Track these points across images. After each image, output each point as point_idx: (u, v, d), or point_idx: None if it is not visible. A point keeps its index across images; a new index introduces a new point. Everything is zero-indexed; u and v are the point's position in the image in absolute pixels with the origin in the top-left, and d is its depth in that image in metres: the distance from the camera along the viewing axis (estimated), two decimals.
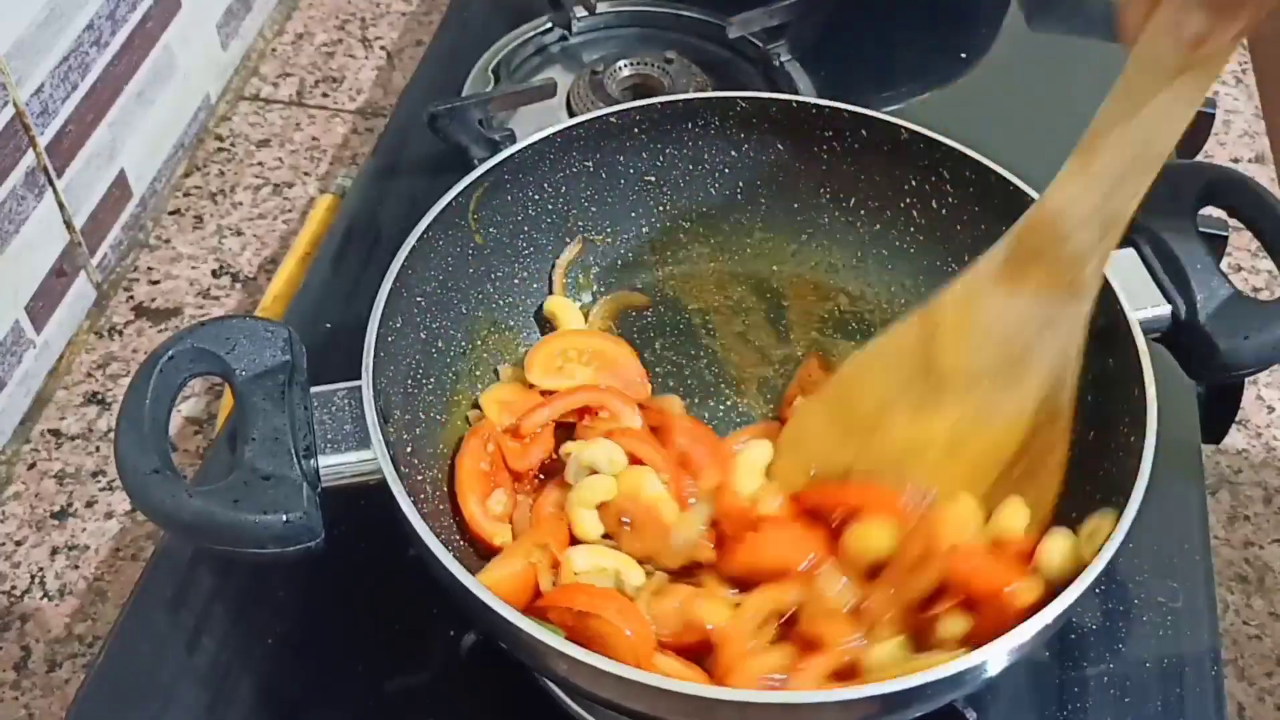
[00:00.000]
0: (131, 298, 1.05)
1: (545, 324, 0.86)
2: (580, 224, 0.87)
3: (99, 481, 0.93)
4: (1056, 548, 0.65)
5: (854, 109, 0.83)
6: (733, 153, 0.86)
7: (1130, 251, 0.76)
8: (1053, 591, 0.60)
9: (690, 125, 0.85)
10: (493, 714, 0.73)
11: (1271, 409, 0.99)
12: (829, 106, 0.83)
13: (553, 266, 0.86)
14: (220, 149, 1.17)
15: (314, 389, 0.68)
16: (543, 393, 0.80)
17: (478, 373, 0.82)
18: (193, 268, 1.07)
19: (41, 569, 0.88)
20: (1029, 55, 1.15)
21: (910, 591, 0.65)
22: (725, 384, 0.85)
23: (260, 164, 1.16)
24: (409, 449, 0.72)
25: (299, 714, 0.73)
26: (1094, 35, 1.16)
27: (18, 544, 0.90)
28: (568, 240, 0.87)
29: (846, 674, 0.65)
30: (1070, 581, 0.59)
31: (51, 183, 0.97)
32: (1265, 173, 1.15)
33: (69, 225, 1.00)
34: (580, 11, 1.11)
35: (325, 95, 1.22)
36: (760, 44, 1.09)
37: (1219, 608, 0.79)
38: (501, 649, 0.64)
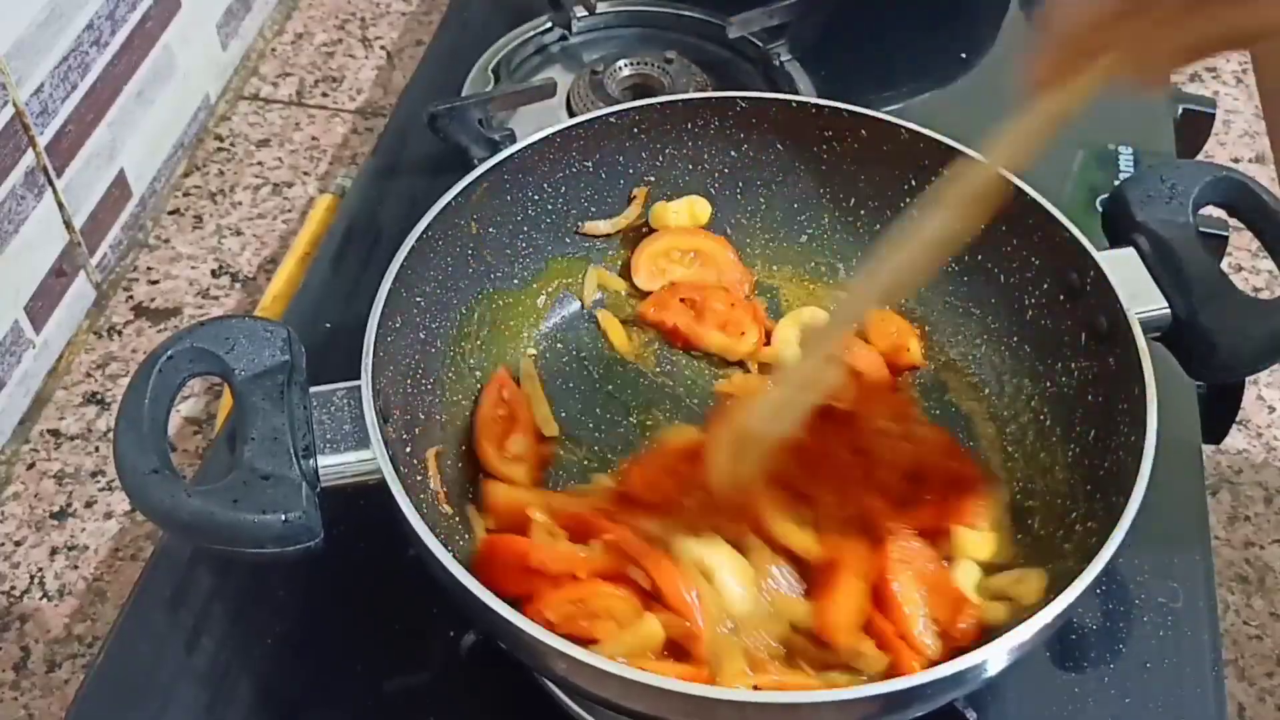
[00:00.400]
0: (131, 298, 1.05)
1: (546, 324, 0.85)
2: (579, 224, 0.87)
3: (98, 481, 0.93)
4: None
5: (854, 109, 0.83)
6: (732, 153, 0.86)
7: (1130, 251, 0.76)
8: None
9: (690, 125, 0.85)
10: (492, 714, 0.73)
11: (1272, 409, 0.98)
12: (829, 106, 0.83)
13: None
14: (220, 149, 1.17)
15: (313, 389, 0.68)
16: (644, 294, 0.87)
17: (477, 373, 0.82)
18: (192, 268, 1.07)
19: (41, 569, 0.88)
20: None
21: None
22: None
23: (260, 164, 1.16)
24: (408, 449, 0.72)
25: (298, 714, 0.73)
26: None
27: (17, 544, 0.90)
28: (567, 240, 0.87)
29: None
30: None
31: (51, 182, 0.97)
32: (1265, 173, 1.15)
33: (68, 225, 1.00)
34: (580, 11, 1.11)
35: (325, 95, 1.22)
36: (760, 44, 1.09)
37: (1219, 608, 0.79)
38: (501, 649, 0.64)
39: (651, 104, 0.84)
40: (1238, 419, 0.91)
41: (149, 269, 1.07)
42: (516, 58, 1.10)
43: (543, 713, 0.72)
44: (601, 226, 0.87)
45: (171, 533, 0.75)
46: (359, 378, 0.67)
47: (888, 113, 0.82)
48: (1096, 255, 0.74)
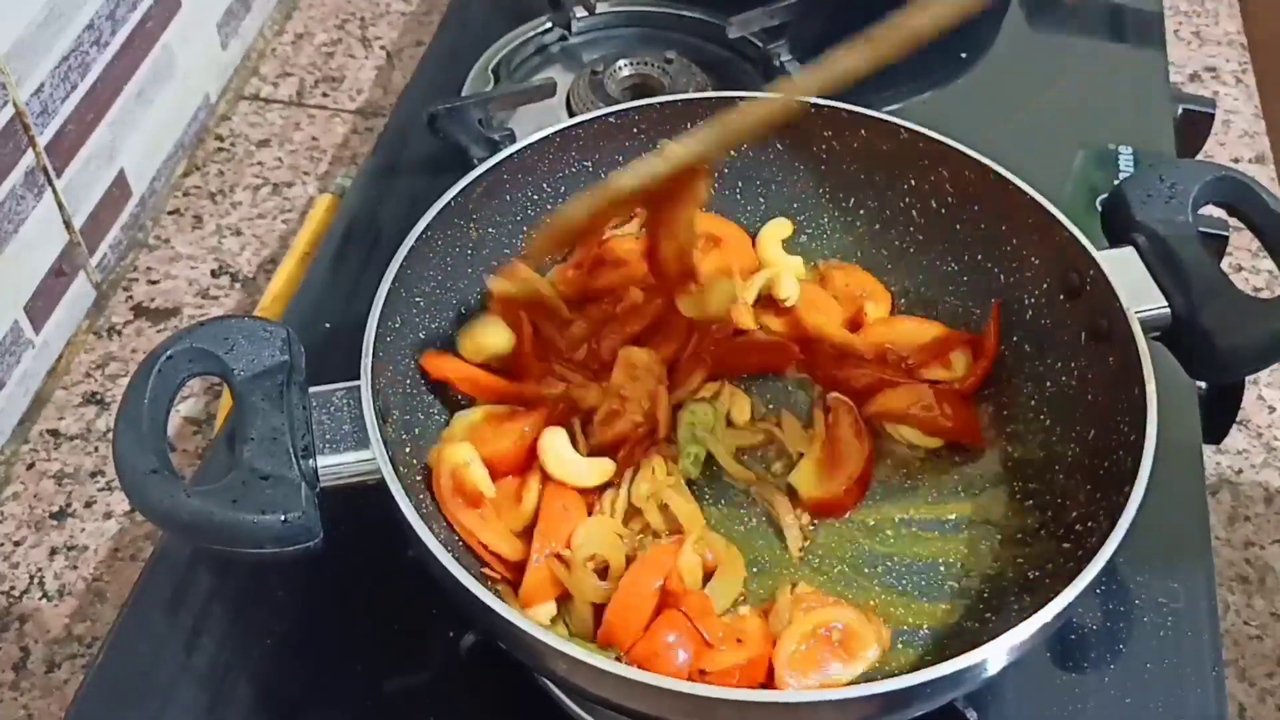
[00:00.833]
0: (130, 298, 1.05)
1: None
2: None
3: (98, 482, 0.93)
4: None
5: (854, 109, 0.83)
6: (732, 152, 0.86)
7: (1130, 251, 0.76)
8: None
9: (690, 125, 0.84)
10: (492, 714, 0.73)
11: (1272, 409, 0.98)
12: (828, 106, 0.83)
13: None
14: (220, 149, 1.17)
15: (312, 389, 0.68)
16: None
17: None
18: (192, 268, 1.07)
19: (40, 569, 0.88)
20: (1029, 55, 1.15)
21: None
22: None
23: (260, 164, 1.16)
24: (407, 449, 0.72)
25: (298, 714, 0.73)
26: (1094, 36, 1.16)
27: (16, 544, 0.90)
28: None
29: None
30: None
31: (51, 182, 0.97)
32: (1265, 172, 1.15)
33: (68, 225, 1.00)
34: (580, 11, 1.11)
35: (325, 95, 1.22)
36: (760, 44, 1.09)
37: (1220, 608, 0.79)
38: (501, 649, 0.64)
39: (651, 104, 0.84)
40: (1238, 419, 0.91)
41: (149, 269, 1.07)
42: (516, 58, 1.10)
43: (543, 713, 0.72)
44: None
45: (171, 533, 0.75)
46: (359, 378, 0.67)
47: (888, 113, 0.82)
48: (1096, 255, 0.74)
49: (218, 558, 0.77)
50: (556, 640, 0.58)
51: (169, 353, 0.66)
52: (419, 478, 0.72)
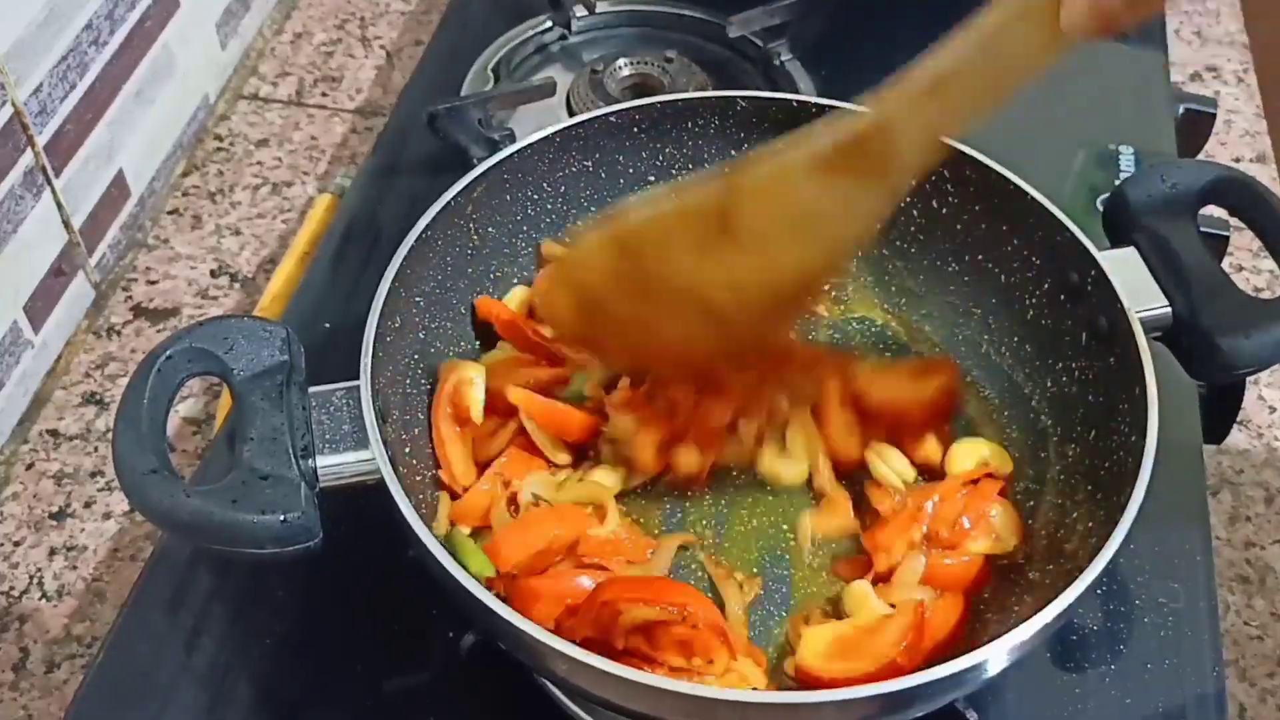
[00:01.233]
0: (130, 298, 1.05)
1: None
2: (579, 224, 0.86)
3: (97, 482, 0.93)
4: None
5: (853, 108, 0.82)
6: (733, 152, 0.86)
7: (1131, 251, 0.76)
8: None
9: (690, 125, 0.85)
10: (492, 714, 0.73)
11: (1273, 409, 0.98)
12: (829, 106, 0.83)
13: None
14: (219, 148, 1.17)
15: (312, 389, 0.68)
16: None
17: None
18: (191, 267, 1.07)
19: (40, 570, 0.88)
20: None
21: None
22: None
23: (259, 163, 1.16)
24: (407, 449, 0.72)
25: (298, 714, 0.73)
26: None
27: (16, 544, 0.89)
28: (568, 240, 0.86)
29: None
30: None
31: (50, 182, 0.97)
32: (1266, 172, 1.15)
33: (67, 225, 1.00)
34: (580, 11, 1.11)
35: (324, 95, 1.22)
36: (760, 43, 1.08)
37: (1220, 608, 0.79)
38: (501, 649, 0.64)
39: (651, 103, 0.84)
40: (1238, 419, 0.91)
41: (148, 269, 1.07)
42: (516, 57, 1.10)
43: (542, 713, 0.72)
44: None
45: (170, 533, 0.75)
46: (358, 378, 0.67)
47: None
48: (1097, 255, 0.74)
49: (218, 558, 0.77)
50: (556, 641, 0.58)
51: (168, 353, 0.66)
52: (419, 477, 0.72)
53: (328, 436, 0.66)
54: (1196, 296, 0.74)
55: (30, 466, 0.94)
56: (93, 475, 0.93)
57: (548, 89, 1.03)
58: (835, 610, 0.71)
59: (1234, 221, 0.81)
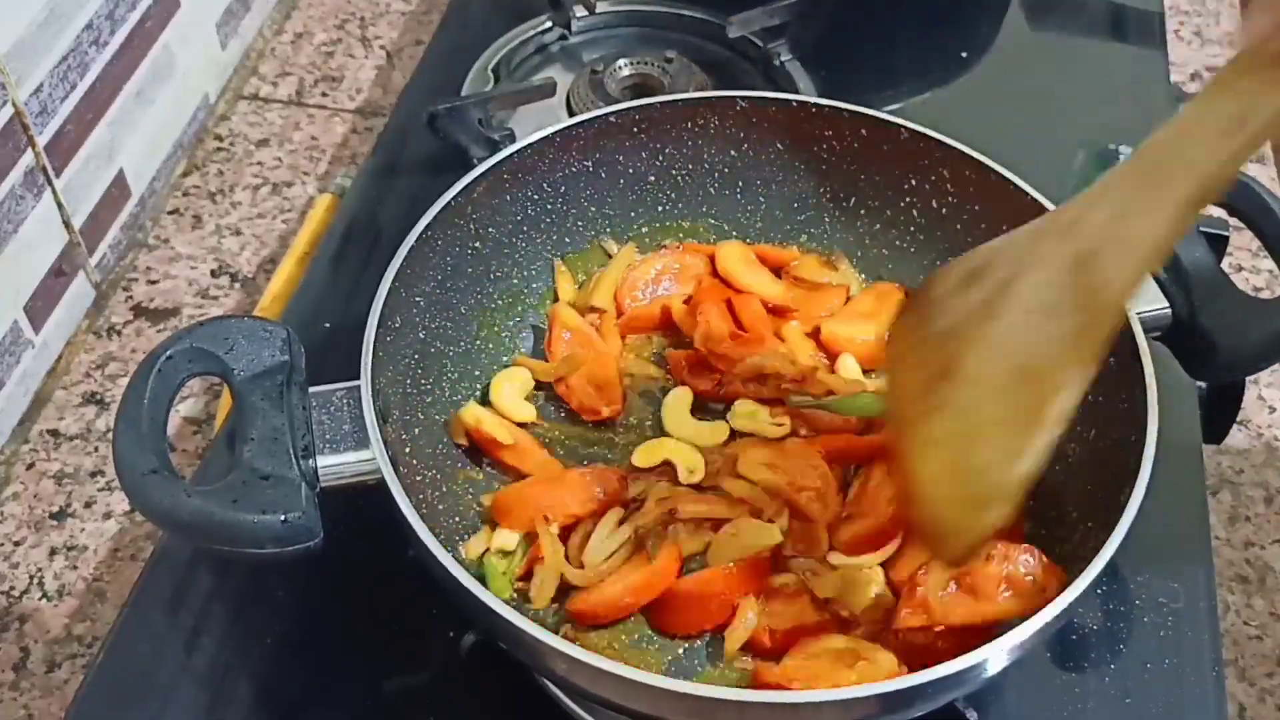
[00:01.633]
0: (130, 298, 1.05)
1: (540, 328, 0.85)
2: (579, 224, 0.87)
3: (98, 482, 0.93)
4: None
5: (853, 108, 0.83)
6: (732, 152, 0.86)
7: None
8: None
9: (690, 125, 0.85)
10: (492, 714, 0.73)
11: (1273, 409, 0.98)
12: (829, 106, 0.83)
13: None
14: (219, 148, 1.17)
15: (312, 389, 0.68)
16: None
17: (476, 373, 0.82)
18: (191, 267, 1.07)
19: (40, 569, 0.88)
20: (1029, 55, 1.15)
21: None
22: None
23: (259, 164, 1.16)
24: (408, 449, 0.72)
25: (298, 714, 0.73)
26: (1094, 35, 1.16)
27: (16, 544, 0.90)
28: (567, 240, 0.87)
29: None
30: None
31: (50, 182, 0.97)
32: (1266, 173, 1.15)
33: (68, 225, 1.00)
34: (580, 11, 1.11)
35: (325, 95, 1.22)
36: (760, 44, 1.08)
37: (1220, 608, 0.79)
38: (501, 649, 0.64)
39: (651, 103, 0.84)
40: (1238, 419, 0.91)
41: (148, 269, 1.07)
42: (516, 57, 1.10)
43: (543, 713, 0.72)
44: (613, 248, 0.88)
45: (171, 533, 0.75)
46: (359, 378, 0.67)
47: (888, 113, 0.82)
48: None
49: (218, 558, 0.77)
50: (556, 640, 0.58)
51: (169, 353, 0.66)
52: (419, 477, 0.72)
53: (328, 436, 0.66)
54: (1196, 296, 0.74)
55: (31, 466, 0.94)
56: (93, 475, 0.93)
57: (548, 89, 1.03)
58: None
59: (1233, 221, 0.81)
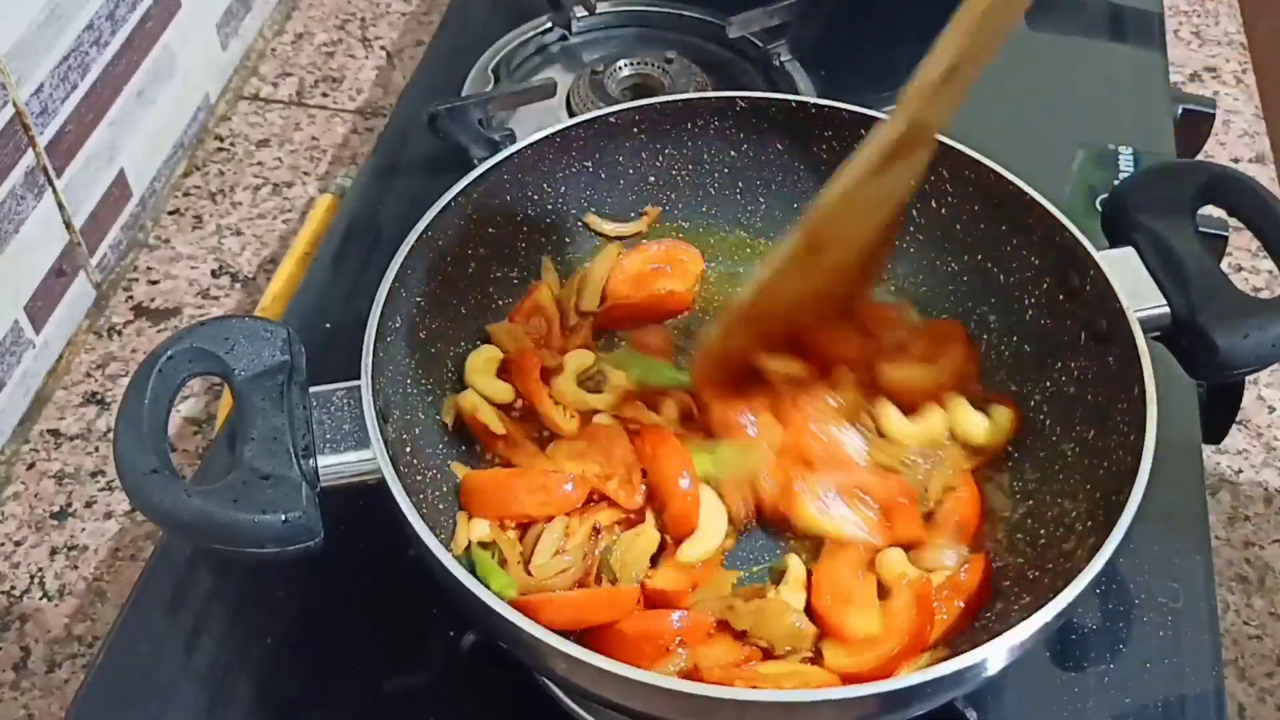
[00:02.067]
0: (131, 298, 1.05)
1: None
2: (579, 225, 0.87)
3: (98, 481, 0.93)
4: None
5: (853, 108, 0.83)
6: (731, 153, 0.86)
7: (1130, 251, 0.76)
8: None
9: (689, 125, 0.85)
10: (492, 714, 0.73)
11: (1272, 409, 0.98)
12: (828, 106, 0.83)
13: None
14: (220, 149, 1.17)
15: (313, 389, 0.68)
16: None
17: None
18: (192, 268, 1.07)
19: (41, 569, 0.88)
20: (1029, 55, 1.15)
21: None
22: None
23: (260, 164, 1.16)
24: (408, 449, 0.72)
25: (298, 714, 0.73)
26: (1093, 35, 1.16)
27: (17, 544, 0.90)
28: (567, 240, 0.87)
29: None
30: None
31: (51, 182, 0.97)
32: (1265, 173, 1.15)
33: (68, 225, 1.00)
34: (580, 11, 1.11)
35: (325, 95, 1.22)
36: (760, 44, 1.09)
37: (1219, 608, 0.79)
38: (501, 649, 0.64)
39: (650, 104, 0.84)
40: (1238, 419, 0.91)
41: (149, 269, 1.07)
42: (516, 58, 1.10)
43: (543, 713, 0.72)
44: (605, 226, 0.87)
45: (171, 533, 0.75)
46: (359, 378, 0.67)
47: (888, 112, 0.82)
48: (1096, 255, 0.74)
49: (218, 558, 0.77)
50: (557, 640, 0.58)
51: (169, 353, 0.66)
52: (420, 477, 0.72)
53: (328, 436, 0.66)
54: (1195, 296, 0.74)
55: (31, 466, 0.94)
56: (93, 475, 0.93)
57: (548, 89, 1.03)
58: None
59: (1233, 221, 0.81)
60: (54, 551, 0.89)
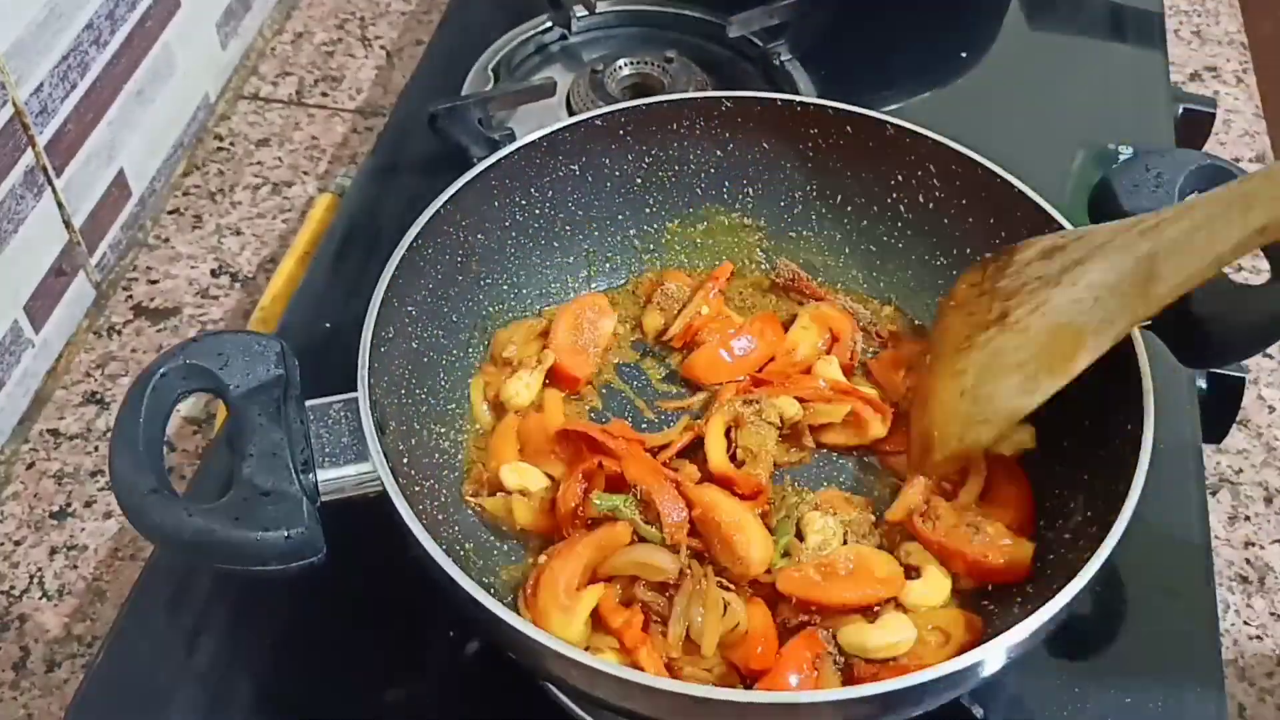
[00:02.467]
0: (130, 297, 1.05)
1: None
2: (568, 229, 0.86)
3: (98, 481, 0.93)
4: None
5: (838, 105, 0.83)
6: (718, 152, 0.86)
7: None
8: None
9: (676, 126, 0.85)
10: (494, 717, 0.73)
11: (1272, 409, 0.98)
12: (813, 104, 0.83)
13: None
14: (219, 148, 1.17)
15: (309, 402, 0.67)
16: None
17: (469, 380, 0.81)
18: (192, 267, 1.07)
19: (40, 569, 0.88)
20: (1029, 55, 1.15)
21: None
22: None
23: (259, 163, 1.16)
24: (405, 459, 0.72)
25: (298, 714, 0.73)
26: (1093, 35, 1.16)
27: (16, 544, 0.90)
28: (555, 244, 0.86)
29: None
30: None
31: (51, 182, 0.97)
32: None
33: (68, 225, 1.00)
34: (580, 11, 1.11)
35: (325, 94, 1.22)
36: (760, 43, 1.09)
37: (1220, 608, 0.79)
38: (503, 654, 0.64)
39: (636, 105, 0.84)
40: (1238, 419, 0.91)
41: (148, 268, 1.07)
42: (516, 57, 1.10)
43: (546, 717, 0.72)
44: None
45: (173, 553, 0.75)
46: (355, 388, 0.67)
47: (887, 112, 0.82)
48: None
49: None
50: (559, 645, 0.58)
51: (162, 370, 0.66)
52: (417, 488, 0.72)
53: (327, 450, 0.65)
54: None
55: (31, 466, 0.94)
56: (93, 474, 0.93)
57: (548, 89, 1.03)
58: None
59: None
60: (53, 551, 0.89)
